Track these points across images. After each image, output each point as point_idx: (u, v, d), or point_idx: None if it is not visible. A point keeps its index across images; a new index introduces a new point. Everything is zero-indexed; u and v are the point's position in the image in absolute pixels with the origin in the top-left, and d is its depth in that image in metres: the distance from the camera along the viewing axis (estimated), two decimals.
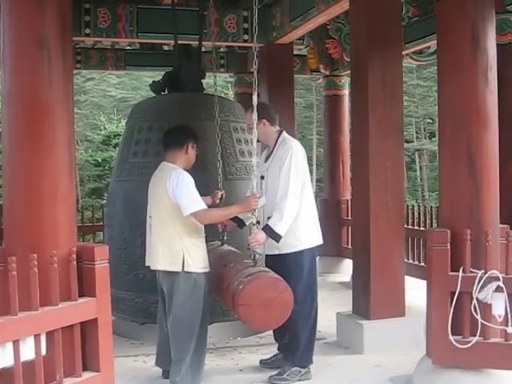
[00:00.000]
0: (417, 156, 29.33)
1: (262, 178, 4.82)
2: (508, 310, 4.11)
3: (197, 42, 6.53)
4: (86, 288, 3.60)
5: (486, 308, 4.16)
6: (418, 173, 29.29)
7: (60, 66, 3.59)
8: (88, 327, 3.59)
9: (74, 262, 3.50)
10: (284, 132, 4.89)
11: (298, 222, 4.66)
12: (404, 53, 7.42)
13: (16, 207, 3.59)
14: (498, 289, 4.11)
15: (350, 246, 9.11)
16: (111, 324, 3.74)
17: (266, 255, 4.85)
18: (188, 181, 4.34)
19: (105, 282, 3.65)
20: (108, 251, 3.68)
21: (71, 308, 3.47)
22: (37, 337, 3.30)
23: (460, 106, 4.40)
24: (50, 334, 3.38)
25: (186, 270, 4.32)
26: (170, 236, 4.36)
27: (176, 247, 4.33)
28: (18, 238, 3.56)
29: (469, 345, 4.18)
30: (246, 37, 7.75)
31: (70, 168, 3.66)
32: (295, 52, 8.99)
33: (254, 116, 4.37)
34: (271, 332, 5.16)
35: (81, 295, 3.56)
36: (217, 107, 5.37)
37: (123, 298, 5.79)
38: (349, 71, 7.47)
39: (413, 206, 8.42)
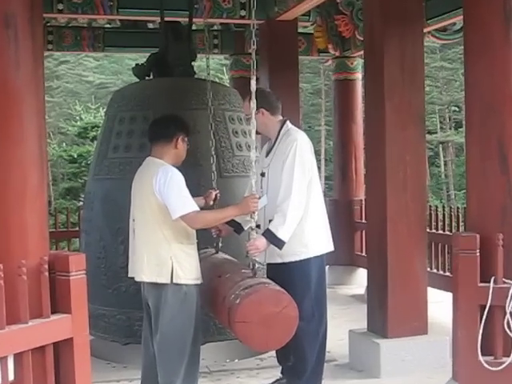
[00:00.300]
0: (441, 149, 29.35)
1: (263, 175, 4.82)
2: None
3: (186, 19, 6.52)
4: (59, 303, 3.59)
5: None
6: (443, 169, 29.30)
7: (29, 46, 3.58)
8: (62, 348, 3.59)
9: (46, 273, 3.49)
10: (288, 122, 4.89)
11: (304, 226, 4.66)
12: (425, 30, 7.43)
13: None
14: None
15: (364, 254, 9.11)
16: (89, 344, 3.74)
17: (268, 264, 4.85)
18: (177, 179, 4.33)
19: (81, 296, 3.65)
20: (85, 260, 3.68)
21: (43, 326, 3.47)
22: (3, 359, 3.30)
23: (490, 92, 4.40)
24: (18, 357, 3.37)
25: (174, 281, 4.31)
26: (156, 242, 4.35)
27: (164, 255, 4.33)
28: None
29: (501, 366, 4.18)
30: (243, 12, 7.75)
31: (40, 165, 3.65)
32: (300, 30, 9.00)
33: (253, 104, 4.37)
34: (273, 353, 5.16)
35: (54, 311, 3.55)
36: (210, 94, 5.37)
37: (103, 315, 5.79)
38: (362, 52, 7.46)
39: (436, 206, 8.43)
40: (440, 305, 6.69)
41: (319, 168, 26.14)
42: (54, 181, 24.73)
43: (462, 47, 4.75)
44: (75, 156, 21.73)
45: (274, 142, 4.87)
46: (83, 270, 3.64)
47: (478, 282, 4.26)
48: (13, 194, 3.53)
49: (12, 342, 3.31)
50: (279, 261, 4.71)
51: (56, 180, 25.25)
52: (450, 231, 7.93)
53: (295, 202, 4.57)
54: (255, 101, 4.36)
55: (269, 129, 4.89)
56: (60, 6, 7.16)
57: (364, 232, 9.13)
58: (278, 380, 5.08)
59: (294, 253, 4.67)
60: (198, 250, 4.57)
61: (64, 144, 24.51)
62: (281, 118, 4.94)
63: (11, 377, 3.37)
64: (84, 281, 3.66)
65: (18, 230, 3.53)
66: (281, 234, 4.52)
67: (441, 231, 8.12)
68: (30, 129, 3.59)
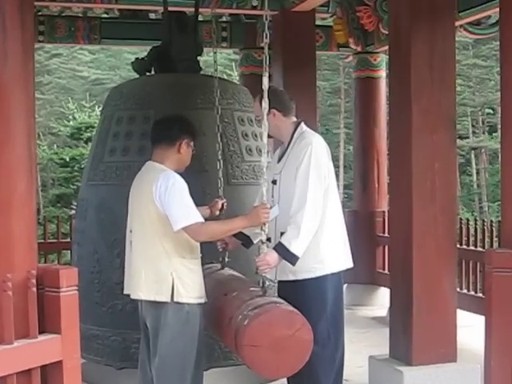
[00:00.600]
0: (473, 156, 29.34)
1: (274, 182, 4.81)
2: None
3: (192, 9, 6.54)
4: (48, 322, 3.59)
5: None
6: (475, 178, 29.27)
7: (18, 37, 3.59)
8: (51, 372, 3.58)
9: (34, 289, 3.50)
10: (302, 124, 4.89)
11: (320, 239, 4.65)
12: (457, 24, 7.43)
13: None
14: None
15: (386, 271, 9.09)
16: (80, 368, 3.74)
17: (279, 282, 4.84)
18: (180, 186, 4.34)
19: (72, 314, 3.65)
20: (77, 275, 3.68)
21: (29, 347, 3.47)
22: None
23: None
24: (1, 381, 3.38)
25: (175, 299, 4.32)
26: (155, 256, 4.36)
27: (163, 271, 4.33)
28: None
29: None
30: (254, 2, 7.78)
31: (29, 169, 3.66)
32: (318, 22, 9.02)
33: (265, 104, 4.37)
34: (285, 381, 5.15)
35: (42, 331, 3.56)
36: (217, 92, 5.38)
37: (96, 336, 5.79)
38: (386, 47, 7.47)
39: (467, 220, 8.40)
40: (471, 329, 6.67)
41: (337, 175, 26.18)
42: (43, 186, 24.83)
43: (498, 43, 4.74)
44: (67, 159, 21.80)
45: (287, 146, 4.87)
46: (75, 285, 3.65)
47: None
48: None
49: None
50: (291, 278, 4.71)
51: (46, 186, 25.35)
52: (483, 247, 7.92)
53: (310, 213, 4.56)
54: (267, 100, 4.37)
55: (281, 131, 4.89)
56: None
57: (387, 247, 9.12)
58: None
59: (308, 269, 4.67)
60: (202, 265, 4.57)
61: (55, 146, 24.61)
62: (294, 119, 4.94)
63: None
64: (76, 297, 3.66)
65: (4, 241, 3.53)
66: (294, 248, 4.52)
67: (472, 247, 8.10)
68: (17, 129, 3.60)
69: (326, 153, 4.77)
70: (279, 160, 4.91)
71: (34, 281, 3.49)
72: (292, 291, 4.64)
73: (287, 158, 4.82)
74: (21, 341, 3.45)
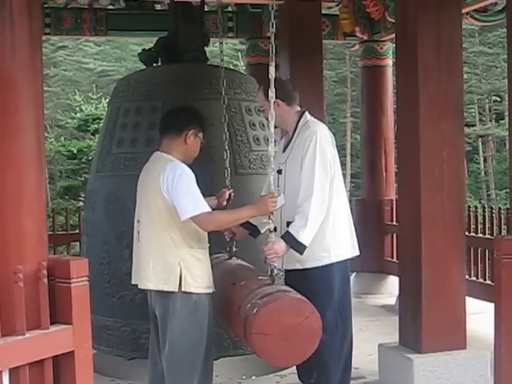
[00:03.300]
0: (480, 144, 29.26)
1: (280, 172, 4.82)
2: None
3: (198, 0, 6.55)
4: (59, 313, 3.61)
5: None
6: (482, 165, 29.21)
7: (26, 30, 3.60)
8: (62, 362, 3.60)
9: (45, 280, 3.51)
10: (306, 113, 4.90)
11: (326, 228, 4.66)
12: (463, 11, 7.41)
13: None
14: None
15: (395, 260, 9.10)
16: (92, 359, 3.76)
17: (286, 271, 4.86)
18: (187, 176, 4.35)
19: (83, 305, 3.66)
20: (87, 266, 3.70)
21: (41, 338, 3.49)
22: None
23: None
24: (14, 371, 3.40)
25: (183, 289, 4.33)
26: (163, 246, 4.37)
27: (171, 261, 4.34)
28: None
29: None
30: None
31: (38, 161, 3.67)
32: (324, 11, 8.99)
33: (271, 93, 4.38)
34: (294, 369, 5.17)
35: (53, 322, 3.58)
36: (224, 82, 5.39)
37: (106, 326, 5.82)
38: (393, 35, 7.46)
39: (475, 207, 8.40)
40: (480, 316, 6.67)
41: (344, 165, 26.22)
42: (51, 179, 24.85)
43: (504, 30, 4.74)
44: (75, 151, 21.75)
45: (292, 136, 4.88)
46: (85, 276, 3.66)
47: None
48: (9, 194, 3.55)
49: (8, 355, 3.33)
50: (298, 267, 4.72)
51: (53, 178, 25.37)
52: (491, 234, 7.91)
53: (317, 202, 4.57)
54: (274, 89, 4.37)
55: (286, 121, 4.90)
56: None
57: (395, 235, 9.12)
58: None
59: (314, 258, 4.68)
60: (210, 254, 4.58)
61: (62, 138, 24.58)
62: (298, 108, 4.94)
63: None
64: (86, 288, 3.67)
65: (15, 233, 3.55)
66: (302, 237, 4.53)
67: (481, 234, 8.09)
68: (27, 121, 3.61)
69: (330, 141, 4.78)
70: (284, 149, 4.92)
71: (44, 272, 3.51)
72: (299, 280, 4.66)
73: (292, 147, 4.83)
74: (33, 332, 3.46)
